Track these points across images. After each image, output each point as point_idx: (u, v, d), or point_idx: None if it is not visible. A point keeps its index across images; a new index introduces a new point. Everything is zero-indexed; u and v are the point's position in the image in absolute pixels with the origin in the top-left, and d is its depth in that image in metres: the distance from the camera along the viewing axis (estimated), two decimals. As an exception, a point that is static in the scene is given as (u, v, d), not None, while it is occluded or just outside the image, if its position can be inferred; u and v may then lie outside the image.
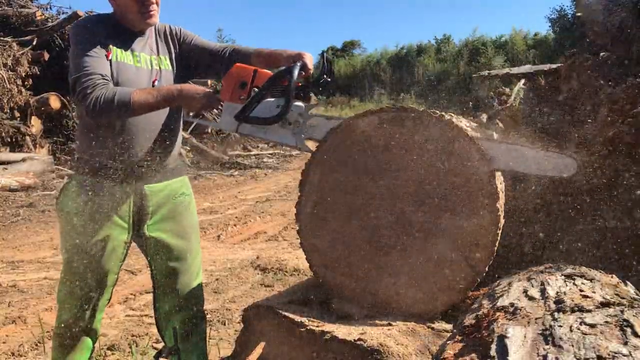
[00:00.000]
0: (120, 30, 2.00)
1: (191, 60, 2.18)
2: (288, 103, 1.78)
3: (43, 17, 12.88)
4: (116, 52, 1.95)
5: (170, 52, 2.14)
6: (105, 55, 1.90)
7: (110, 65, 1.91)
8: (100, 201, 1.97)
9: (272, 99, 1.82)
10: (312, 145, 1.86)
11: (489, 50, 29.82)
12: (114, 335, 3.39)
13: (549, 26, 27.51)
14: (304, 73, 1.88)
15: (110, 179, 1.98)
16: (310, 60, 1.93)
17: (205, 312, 2.33)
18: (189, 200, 2.21)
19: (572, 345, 0.92)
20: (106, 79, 1.86)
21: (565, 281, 1.31)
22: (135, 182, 2.02)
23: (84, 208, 1.97)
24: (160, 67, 2.07)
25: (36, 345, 3.25)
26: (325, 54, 2.00)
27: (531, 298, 1.22)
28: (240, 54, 2.14)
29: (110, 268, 2.05)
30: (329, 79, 1.90)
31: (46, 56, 11.84)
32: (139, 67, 2.01)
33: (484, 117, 11.06)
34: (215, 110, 1.91)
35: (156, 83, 2.03)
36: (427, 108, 1.87)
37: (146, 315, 3.71)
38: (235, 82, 1.87)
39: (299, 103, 1.83)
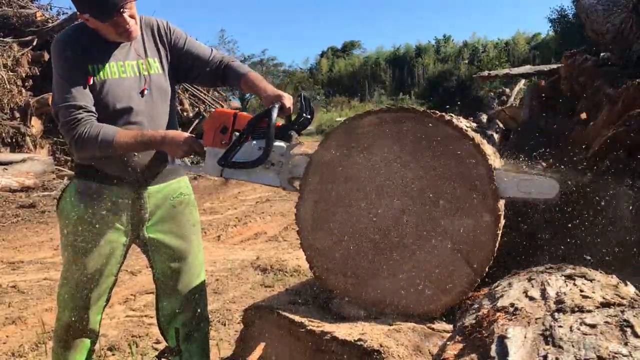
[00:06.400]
0: (101, 39, 1.93)
1: (182, 64, 2.12)
2: (269, 145, 1.79)
3: (43, 17, 12.91)
4: (98, 72, 1.90)
5: (160, 54, 2.07)
6: (86, 81, 1.87)
7: (95, 86, 1.89)
8: (99, 204, 1.97)
9: (254, 142, 1.82)
10: (296, 184, 1.86)
11: (491, 52, 29.86)
12: (114, 336, 3.39)
13: (550, 26, 27.53)
14: (283, 114, 1.89)
15: (109, 182, 1.98)
16: (289, 100, 1.93)
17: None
18: (188, 200, 2.20)
19: (572, 346, 0.92)
20: (89, 112, 1.86)
21: (565, 281, 1.32)
22: (133, 185, 2.02)
23: (82, 211, 1.97)
24: (149, 72, 2.01)
25: (36, 345, 3.25)
26: (303, 93, 2.02)
27: (531, 298, 1.22)
28: (232, 71, 2.12)
29: (109, 270, 2.05)
30: (309, 117, 1.91)
31: (46, 57, 11.85)
32: (125, 78, 1.95)
33: (484, 117, 11.04)
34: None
35: (145, 92, 1.99)
36: (427, 108, 1.86)
37: (146, 316, 3.71)
38: (216, 127, 1.88)
39: (280, 143, 1.83)
